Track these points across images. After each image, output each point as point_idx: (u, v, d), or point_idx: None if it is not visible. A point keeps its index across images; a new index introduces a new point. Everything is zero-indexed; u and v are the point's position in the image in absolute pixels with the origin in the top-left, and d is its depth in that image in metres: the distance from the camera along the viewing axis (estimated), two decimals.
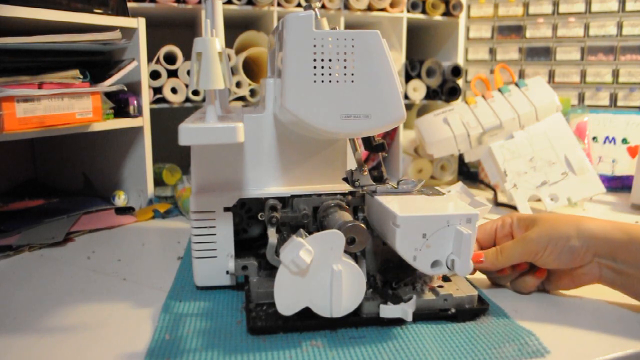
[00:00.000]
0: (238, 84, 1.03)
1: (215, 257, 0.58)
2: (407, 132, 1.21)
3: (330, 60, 0.49)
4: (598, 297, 0.57)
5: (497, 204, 1.00)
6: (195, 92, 1.01)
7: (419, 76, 1.16)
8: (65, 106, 0.75)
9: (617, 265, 0.52)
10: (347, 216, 0.52)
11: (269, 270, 0.56)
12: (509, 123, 0.97)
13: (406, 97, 1.15)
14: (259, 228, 0.63)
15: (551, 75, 1.20)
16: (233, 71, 1.03)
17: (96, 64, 0.90)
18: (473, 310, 0.52)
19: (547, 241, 0.53)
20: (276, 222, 0.55)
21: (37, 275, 0.65)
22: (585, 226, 0.52)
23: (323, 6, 1.07)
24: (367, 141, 0.59)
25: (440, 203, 0.52)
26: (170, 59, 0.99)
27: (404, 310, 0.48)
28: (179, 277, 0.64)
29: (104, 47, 0.86)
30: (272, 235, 0.55)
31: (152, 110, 0.94)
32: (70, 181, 1.06)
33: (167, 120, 1.03)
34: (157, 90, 0.98)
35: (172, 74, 0.99)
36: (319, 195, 0.57)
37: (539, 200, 0.94)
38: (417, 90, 1.16)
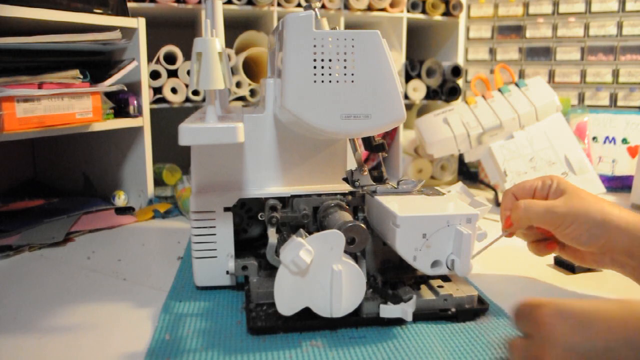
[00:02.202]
0: (238, 84, 1.03)
1: (215, 257, 0.58)
2: (407, 132, 1.21)
3: (330, 60, 0.49)
4: (596, 293, 0.57)
5: (497, 204, 1.00)
6: (195, 92, 1.01)
7: (419, 76, 1.16)
8: (65, 106, 0.75)
9: (633, 261, 0.52)
10: (347, 216, 0.52)
11: (269, 270, 0.56)
12: (509, 123, 0.97)
13: (406, 97, 1.15)
14: (259, 228, 0.63)
15: (551, 75, 1.20)
16: (233, 71, 1.03)
17: (96, 64, 0.90)
18: (473, 310, 0.52)
19: (574, 219, 0.52)
20: (276, 222, 0.55)
21: (37, 275, 0.65)
22: (610, 216, 0.52)
23: (323, 6, 1.07)
24: (367, 141, 0.59)
25: (440, 203, 0.52)
26: (170, 59, 0.99)
27: (404, 310, 0.48)
28: (179, 277, 0.64)
29: (104, 47, 0.86)
30: (272, 235, 0.55)
31: (152, 110, 0.94)
32: (70, 181, 1.06)
33: (167, 120, 1.03)
34: (157, 90, 0.98)
35: (172, 74, 0.99)
36: (319, 195, 0.57)
37: None
38: (417, 90, 1.16)
